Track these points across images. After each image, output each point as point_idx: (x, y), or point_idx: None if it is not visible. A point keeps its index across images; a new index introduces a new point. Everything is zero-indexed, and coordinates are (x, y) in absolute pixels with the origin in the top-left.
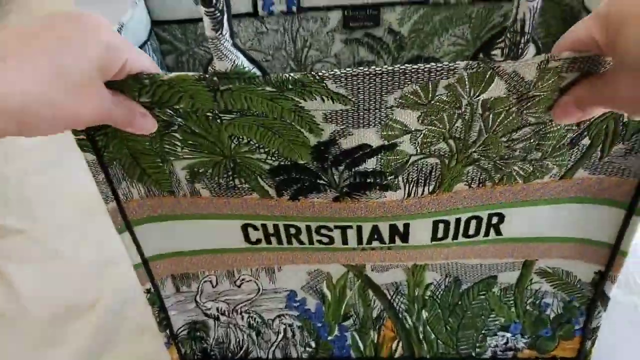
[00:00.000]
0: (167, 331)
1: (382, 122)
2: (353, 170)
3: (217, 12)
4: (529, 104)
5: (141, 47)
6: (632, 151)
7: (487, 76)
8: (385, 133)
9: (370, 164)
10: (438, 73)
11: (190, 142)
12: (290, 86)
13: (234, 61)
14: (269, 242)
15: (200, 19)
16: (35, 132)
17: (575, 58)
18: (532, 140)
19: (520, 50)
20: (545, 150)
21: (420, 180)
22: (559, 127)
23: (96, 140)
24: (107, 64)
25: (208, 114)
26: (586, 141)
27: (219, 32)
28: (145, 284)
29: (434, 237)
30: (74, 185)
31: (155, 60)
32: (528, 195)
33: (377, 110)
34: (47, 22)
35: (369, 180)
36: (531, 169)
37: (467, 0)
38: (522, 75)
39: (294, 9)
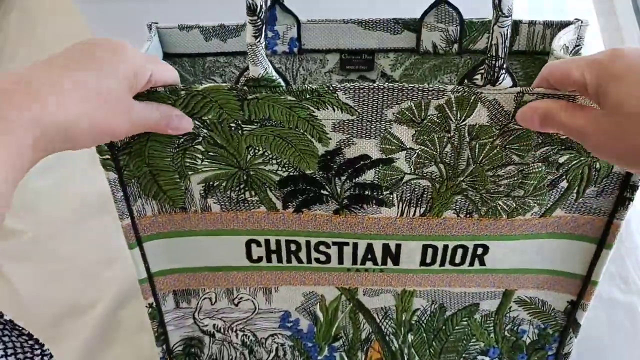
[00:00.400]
0: (164, 346)
1: (382, 134)
2: (354, 181)
3: (259, 20)
4: (511, 137)
5: None
6: (602, 193)
7: (471, 100)
8: (383, 146)
9: (369, 175)
10: (430, 93)
11: (212, 153)
12: (307, 95)
13: (266, 68)
14: (269, 260)
15: (208, 54)
16: (80, 145)
17: (550, 95)
18: (515, 179)
19: (496, 74)
20: (527, 189)
21: (413, 201)
22: (540, 169)
23: (119, 160)
24: (135, 81)
25: (232, 124)
26: (564, 184)
27: (258, 39)
28: (148, 299)
29: (423, 262)
30: (74, 185)
31: None
32: (511, 230)
33: (378, 123)
34: (84, 48)
35: (366, 193)
36: (514, 205)
37: (454, 51)
38: (502, 104)
39: (295, 50)
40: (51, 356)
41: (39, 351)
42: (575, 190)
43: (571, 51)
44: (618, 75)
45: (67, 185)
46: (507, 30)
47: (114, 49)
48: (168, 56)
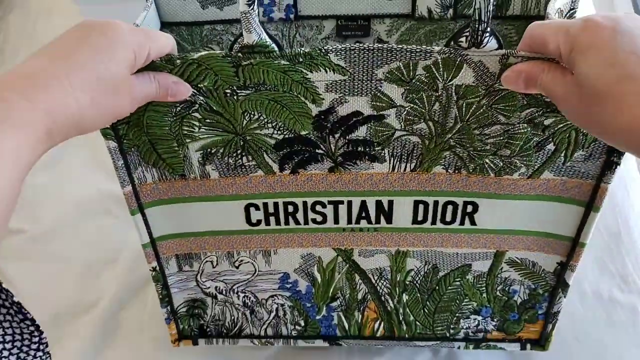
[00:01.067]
0: (168, 308)
1: (372, 92)
2: (347, 137)
3: None
4: (497, 98)
5: None
6: (591, 157)
7: (457, 62)
8: (375, 103)
9: (362, 132)
10: (417, 54)
11: (208, 120)
12: (301, 59)
13: (260, 35)
14: (268, 223)
15: (205, 23)
16: (89, 129)
17: (533, 58)
18: (501, 138)
19: (479, 37)
20: (513, 149)
21: (404, 156)
22: (525, 130)
23: (118, 129)
24: (134, 62)
25: (227, 90)
26: (551, 146)
27: (252, 7)
28: (151, 262)
29: (415, 219)
30: (74, 185)
31: None
32: (500, 188)
33: (368, 82)
34: (80, 34)
35: (359, 149)
36: (501, 164)
37: (449, 16)
38: (487, 66)
39: (292, 16)
40: (47, 345)
41: (37, 339)
42: (562, 154)
43: (566, 14)
44: (584, 48)
45: (67, 185)
46: None
47: (109, 32)
48: (165, 25)
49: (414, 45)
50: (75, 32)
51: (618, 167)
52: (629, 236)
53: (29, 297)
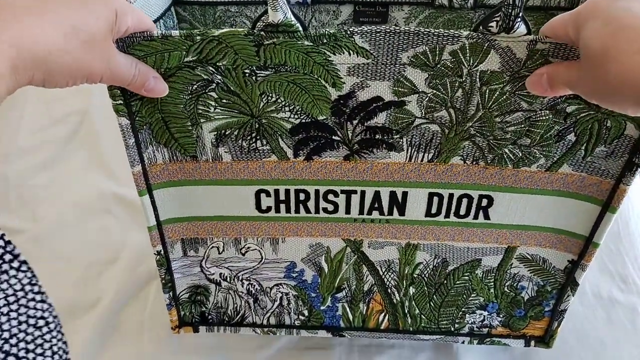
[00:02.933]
0: (170, 293)
1: (395, 77)
2: (365, 124)
3: None
4: (521, 84)
5: (155, 21)
6: (612, 155)
7: (485, 47)
8: (396, 89)
9: (381, 118)
10: (444, 38)
11: (225, 100)
12: (325, 40)
13: (286, 14)
14: (278, 210)
15: (219, 3)
16: (57, 81)
17: (560, 45)
18: (522, 126)
19: (511, 23)
20: (534, 138)
21: (422, 146)
22: (547, 117)
23: (131, 105)
24: (115, 25)
25: (246, 70)
26: (572, 137)
27: None
28: (156, 246)
29: (428, 212)
30: (74, 185)
31: None
32: (516, 182)
33: (392, 66)
34: None
35: (377, 137)
36: (520, 154)
37: (470, 5)
38: (514, 52)
39: (309, 0)
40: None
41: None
42: (583, 147)
43: None
44: (585, 21)
45: (67, 185)
46: None
47: None
48: (178, 3)
49: (441, 30)
50: None
51: (639, 168)
52: (628, 236)
53: None
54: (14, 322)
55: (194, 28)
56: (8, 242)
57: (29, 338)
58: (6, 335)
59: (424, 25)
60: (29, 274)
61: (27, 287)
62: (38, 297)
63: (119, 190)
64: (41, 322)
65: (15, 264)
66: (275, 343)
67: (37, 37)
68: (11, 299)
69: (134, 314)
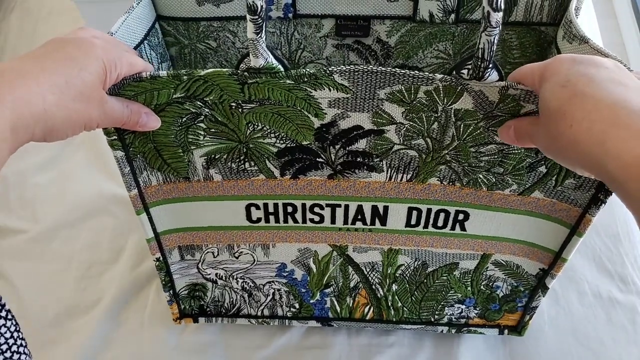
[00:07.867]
0: (171, 291)
1: (374, 110)
2: (347, 149)
3: (259, 19)
4: (494, 122)
5: (138, 45)
6: (581, 187)
7: (458, 89)
8: (375, 119)
9: (361, 144)
10: (419, 80)
11: (213, 130)
12: (305, 79)
13: (267, 59)
14: (267, 220)
15: (201, 19)
16: (56, 134)
17: (531, 91)
18: (496, 156)
19: (480, 73)
20: (506, 167)
21: (401, 168)
22: (519, 151)
23: (125, 138)
24: (105, 77)
25: (232, 104)
26: (543, 169)
27: (259, 35)
28: (155, 254)
29: (408, 223)
30: (74, 185)
31: (154, 56)
32: (491, 202)
33: (370, 100)
34: (55, 45)
35: (358, 160)
36: (494, 180)
37: (451, 20)
38: (487, 95)
39: (290, 15)
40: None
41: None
42: (554, 178)
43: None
44: (547, 77)
45: (67, 185)
46: (494, 38)
47: (82, 46)
48: (162, 18)
49: (416, 72)
50: (51, 44)
51: (603, 204)
52: (628, 237)
53: (29, 297)
54: None
55: (178, 42)
56: None
57: None
58: None
59: (405, 38)
60: (14, 322)
61: (15, 334)
62: (19, 342)
63: (119, 190)
64: None
65: (3, 313)
66: (274, 342)
67: (33, 99)
68: (4, 347)
69: (134, 314)
